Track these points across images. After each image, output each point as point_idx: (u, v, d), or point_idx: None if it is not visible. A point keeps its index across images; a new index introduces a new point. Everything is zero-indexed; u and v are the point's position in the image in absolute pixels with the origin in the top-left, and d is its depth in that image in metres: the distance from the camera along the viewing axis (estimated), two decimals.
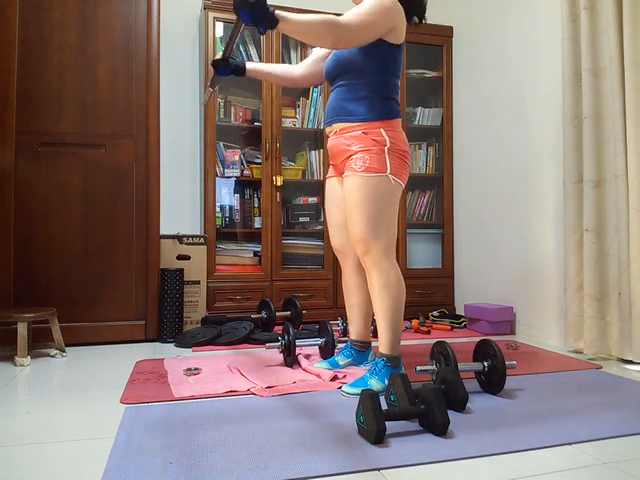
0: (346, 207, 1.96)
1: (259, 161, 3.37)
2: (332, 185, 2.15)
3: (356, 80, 1.94)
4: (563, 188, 2.61)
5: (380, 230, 1.89)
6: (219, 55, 2.11)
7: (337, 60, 2.00)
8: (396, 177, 1.91)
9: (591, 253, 2.43)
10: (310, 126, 3.49)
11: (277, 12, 1.68)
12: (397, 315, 1.91)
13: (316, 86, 3.48)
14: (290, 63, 3.51)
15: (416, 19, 2.07)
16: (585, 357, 2.44)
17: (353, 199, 1.91)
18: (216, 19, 3.25)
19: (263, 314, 2.99)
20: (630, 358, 2.30)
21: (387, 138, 1.90)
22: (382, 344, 1.92)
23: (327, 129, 2.07)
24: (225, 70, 2.11)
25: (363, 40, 1.83)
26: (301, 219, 3.48)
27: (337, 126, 2.00)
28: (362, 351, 2.19)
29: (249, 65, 2.18)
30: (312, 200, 3.49)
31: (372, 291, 1.93)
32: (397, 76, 1.99)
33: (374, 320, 2.43)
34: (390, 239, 1.92)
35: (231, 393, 1.85)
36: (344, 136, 1.97)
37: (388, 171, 1.89)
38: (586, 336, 2.43)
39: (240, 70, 2.15)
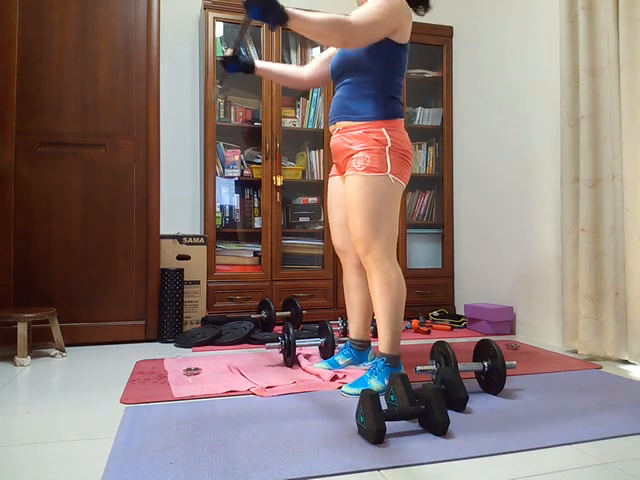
0: (347, 206, 1.96)
1: (259, 161, 3.37)
2: (334, 184, 2.16)
3: (360, 78, 1.95)
4: (560, 188, 2.61)
5: (380, 229, 1.89)
6: (228, 52, 2.10)
7: (342, 59, 2.01)
8: (397, 177, 1.91)
9: (586, 253, 2.42)
10: (310, 126, 3.49)
11: (287, 9, 1.68)
12: (397, 314, 1.91)
13: (319, 86, 3.47)
14: (290, 63, 3.51)
15: (422, 9, 2.08)
16: (582, 357, 2.44)
17: (354, 198, 1.91)
18: (216, 19, 3.25)
19: (263, 314, 2.99)
20: (626, 358, 2.30)
21: (388, 138, 1.90)
22: (382, 343, 1.92)
23: (330, 127, 2.07)
24: (234, 67, 2.11)
25: (371, 39, 1.84)
26: (301, 219, 3.49)
27: (340, 124, 2.00)
28: (361, 350, 2.19)
29: (258, 63, 2.18)
30: (312, 200, 3.49)
31: (372, 290, 1.93)
32: (401, 75, 1.99)
33: (374, 320, 2.44)
34: (390, 238, 1.92)
35: (231, 393, 1.85)
36: (346, 135, 1.97)
37: (388, 171, 1.89)
38: (580, 336, 2.42)
39: (249, 68, 2.16)
